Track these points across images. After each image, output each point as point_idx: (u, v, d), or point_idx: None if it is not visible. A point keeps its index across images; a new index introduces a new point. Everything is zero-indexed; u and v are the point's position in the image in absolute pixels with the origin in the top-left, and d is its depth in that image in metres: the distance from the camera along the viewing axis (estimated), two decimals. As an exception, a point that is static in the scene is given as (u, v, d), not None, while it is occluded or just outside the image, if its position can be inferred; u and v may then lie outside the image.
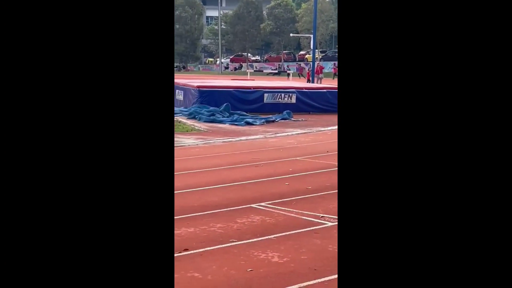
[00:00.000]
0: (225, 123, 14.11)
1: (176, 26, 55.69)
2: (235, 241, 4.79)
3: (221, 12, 58.77)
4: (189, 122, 13.98)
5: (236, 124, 14.03)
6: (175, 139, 11.26)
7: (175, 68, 52.55)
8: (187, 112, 15.24)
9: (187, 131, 12.58)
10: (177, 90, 17.46)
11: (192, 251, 4.54)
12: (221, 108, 15.13)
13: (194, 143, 10.98)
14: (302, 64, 45.34)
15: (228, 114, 14.92)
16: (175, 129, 12.71)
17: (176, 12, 55.36)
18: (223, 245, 4.71)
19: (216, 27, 60.60)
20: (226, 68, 55.43)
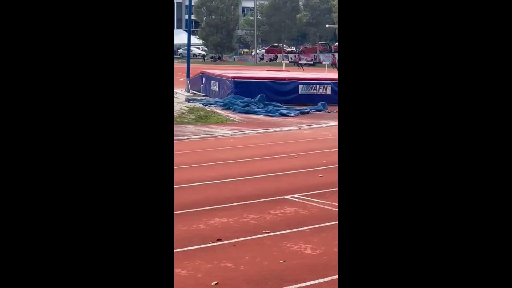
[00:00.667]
0: (259, 114, 14.12)
1: (212, 16, 55.77)
2: (268, 232, 4.81)
3: (257, 3, 58.64)
4: (224, 113, 14.04)
5: (270, 115, 14.03)
6: (210, 129, 11.35)
7: (210, 59, 52.67)
8: (222, 103, 15.29)
9: (221, 122, 12.64)
10: (212, 81, 17.54)
11: (225, 241, 4.58)
12: (256, 99, 15.13)
13: (229, 134, 11.02)
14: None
15: (262, 105, 14.92)
16: (210, 120, 12.79)
17: (213, 3, 55.42)
18: (256, 236, 4.73)
19: (252, 17, 60.50)
20: (262, 59, 55.37)
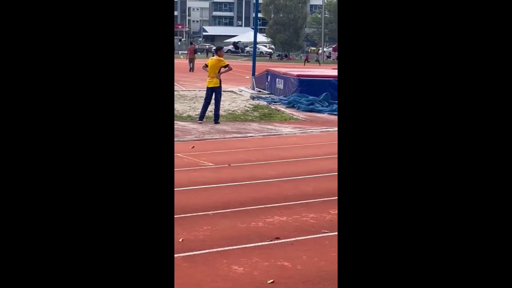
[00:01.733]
0: (324, 113, 14.00)
1: (280, 14, 55.82)
2: (327, 232, 4.76)
3: (325, 1, 58.22)
4: (288, 111, 14.00)
5: (335, 114, 13.86)
6: (273, 127, 11.35)
7: (277, 57, 52.71)
8: (286, 101, 15.26)
9: (285, 120, 12.62)
10: (277, 79, 17.54)
11: (283, 240, 4.56)
12: (321, 98, 15.00)
13: (292, 132, 10.99)
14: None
15: (327, 104, 14.78)
16: (273, 118, 12.79)
17: (281, 1, 55.44)
18: (315, 236, 4.69)
19: (319, 15, 60.15)
20: (328, 57, 54.94)
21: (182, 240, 4.46)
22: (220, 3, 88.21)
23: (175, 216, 5.07)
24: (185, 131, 10.53)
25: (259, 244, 4.46)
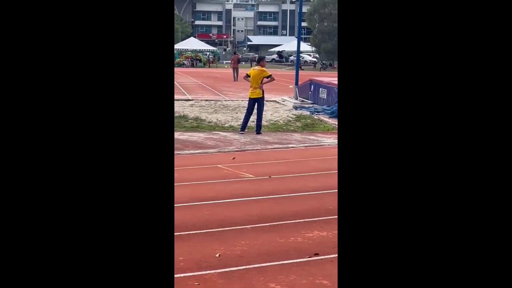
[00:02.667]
0: (368, 123, 13.76)
1: (325, 23, 55.58)
2: (368, 249, 4.59)
3: (370, 9, 57.79)
4: (331, 121, 13.83)
5: (379, 125, 13.62)
6: (315, 138, 11.21)
7: (321, 66, 52.46)
8: (330, 111, 15.09)
9: (327, 130, 12.46)
10: (320, 88, 17.38)
11: (322, 256, 4.42)
12: (365, 108, 14.76)
13: (334, 143, 10.81)
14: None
15: (371, 114, 14.54)
16: (316, 128, 12.64)
17: (325, 10, 55.25)
18: (355, 253, 4.53)
19: (364, 24, 59.73)
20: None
21: (219, 255, 4.38)
22: (265, 12, 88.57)
23: (212, 230, 5.02)
24: (227, 142, 10.50)
25: (298, 260, 4.34)
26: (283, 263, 4.26)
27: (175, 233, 4.87)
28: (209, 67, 50.36)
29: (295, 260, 4.33)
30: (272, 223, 5.30)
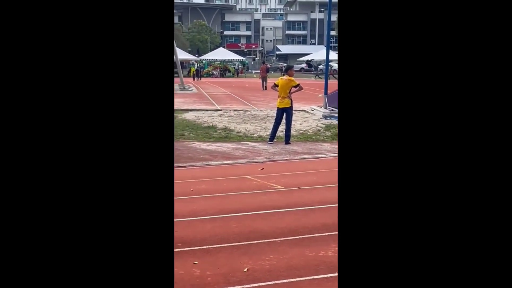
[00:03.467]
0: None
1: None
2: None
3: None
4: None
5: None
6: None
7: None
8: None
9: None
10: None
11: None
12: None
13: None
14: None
15: (402, 123, 14.32)
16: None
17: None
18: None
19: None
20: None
21: (247, 269, 4.28)
22: (293, 22, 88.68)
23: (240, 243, 4.92)
24: (255, 152, 10.42)
25: (328, 275, 4.21)
26: (313, 278, 4.14)
27: (201, 247, 4.80)
28: (238, 77, 50.50)
29: (326, 275, 4.20)
30: (301, 236, 5.18)
